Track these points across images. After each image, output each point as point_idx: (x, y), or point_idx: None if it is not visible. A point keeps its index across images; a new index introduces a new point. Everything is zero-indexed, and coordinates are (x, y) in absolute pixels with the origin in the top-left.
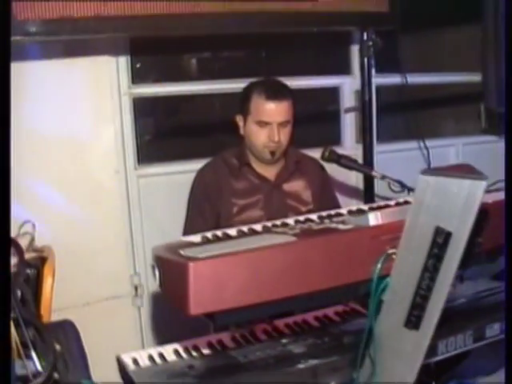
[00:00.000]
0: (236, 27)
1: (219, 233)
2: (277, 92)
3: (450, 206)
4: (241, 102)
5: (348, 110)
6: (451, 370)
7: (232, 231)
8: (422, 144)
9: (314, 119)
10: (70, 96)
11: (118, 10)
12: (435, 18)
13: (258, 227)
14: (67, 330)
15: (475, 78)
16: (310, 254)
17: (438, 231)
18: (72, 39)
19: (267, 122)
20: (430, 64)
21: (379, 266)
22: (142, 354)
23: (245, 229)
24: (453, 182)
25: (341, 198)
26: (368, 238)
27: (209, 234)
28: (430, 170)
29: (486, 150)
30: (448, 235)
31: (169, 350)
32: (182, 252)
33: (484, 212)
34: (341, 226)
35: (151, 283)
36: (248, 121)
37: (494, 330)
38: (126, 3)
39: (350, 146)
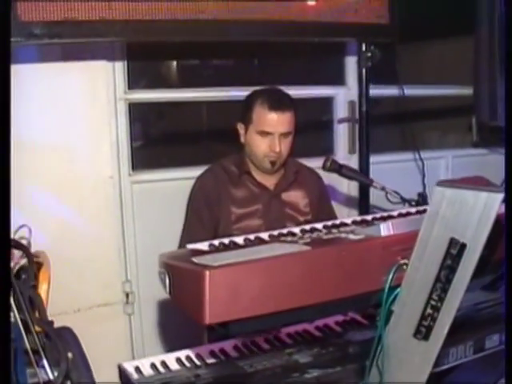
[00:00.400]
0: (235, 35)
1: (226, 241)
2: (280, 102)
3: (466, 218)
4: (243, 111)
5: (342, 121)
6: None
7: (239, 239)
8: (416, 156)
9: (308, 129)
10: (65, 100)
11: (123, 14)
12: (429, 31)
13: (264, 236)
14: (67, 338)
15: (466, 91)
16: (325, 263)
17: (453, 242)
18: (71, 43)
19: (269, 132)
20: (423, 76)
21: (391, 276)
22: (144, 362)
23: (251, 237)
24: (469, 193)
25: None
26: (380, 248)
27: (216, 242)
28: (445, 182)
29: (475, 162)
30: (462, 247)
31: (171, 359)
32: (195, 260)
33: (498, 223)
34: (351, 236)
35: (143, 291)
36: (249, 130)
37: (494, 342)
38: (132, 7)
39: (343, 157)
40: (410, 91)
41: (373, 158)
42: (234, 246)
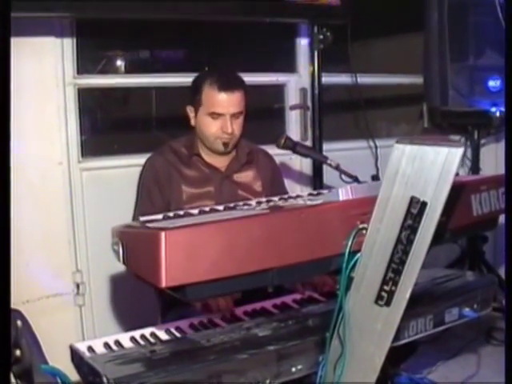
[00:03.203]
0: (182, 13)
1: (181, 212)
2: (229, 82)
3: (426, 175)
4: (191, 93)
5: (293, 108)
6: (399, 364)
7: (194, 211)
8: (368, 143)
9: (259, 116)
10: (13, 81)
11: None
12: (379, 29)
13: (219, 207)
14: (17, 320)
15: (416, 79)
16: (284, 226)
17: (413, 201)
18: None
19: (220, 114)
20: (372, 66)
21: (350, 240)
22: (97, 342)
23: (207, 209)
24: (429, 149)
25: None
26: (339, 212)
27: (170, 214)
28: (405, 138)
29: None
30: (423, 205)
31: (125, 338)
32: (149, 225)
33: (455, 188)
34: (309, 202)
35: (94, 281)
36: (200, 112)
37: (453, 315)
38: None
39: None
40: (362, 79)
41: (325, 146)
42: (190, 215)
